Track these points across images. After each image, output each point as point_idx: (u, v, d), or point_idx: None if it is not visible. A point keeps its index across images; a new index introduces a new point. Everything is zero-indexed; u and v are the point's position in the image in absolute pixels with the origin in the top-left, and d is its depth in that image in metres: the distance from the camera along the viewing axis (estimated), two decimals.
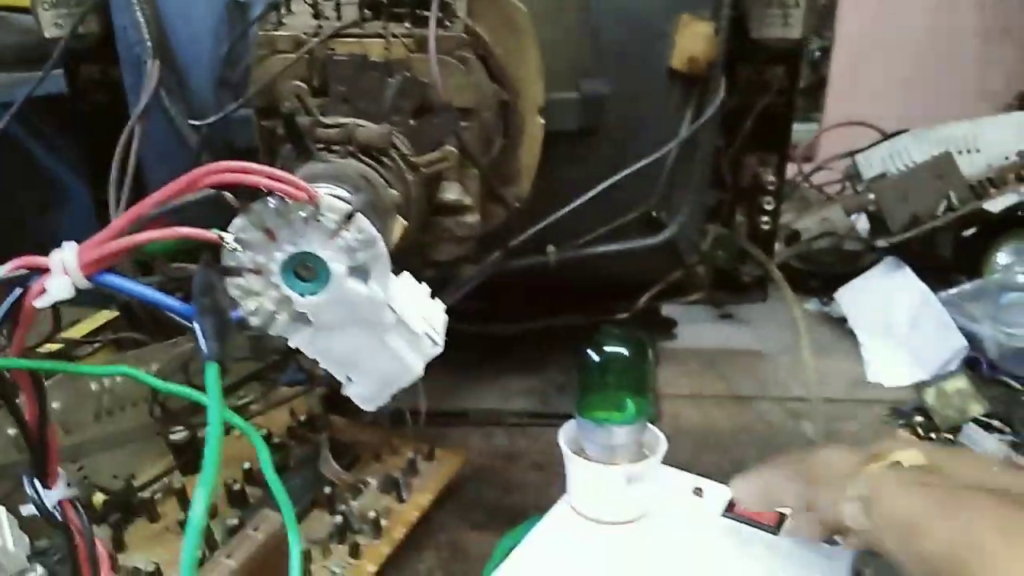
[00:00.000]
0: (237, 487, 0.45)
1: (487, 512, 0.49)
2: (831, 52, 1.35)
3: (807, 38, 0.57)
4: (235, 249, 0.25)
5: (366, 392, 0.26)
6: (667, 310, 0.74)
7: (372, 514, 0.44)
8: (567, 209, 0.53)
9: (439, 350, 0.27)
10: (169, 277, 0.57)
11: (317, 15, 0.43)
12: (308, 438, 0.51)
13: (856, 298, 0.71)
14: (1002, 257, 0.72)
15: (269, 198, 0.25)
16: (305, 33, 0.38)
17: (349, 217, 0.25)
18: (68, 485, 0.28)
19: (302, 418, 0.53)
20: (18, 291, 0.24)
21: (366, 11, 0.42)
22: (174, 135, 0.51)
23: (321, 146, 0.32)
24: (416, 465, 0.49)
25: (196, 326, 0.23)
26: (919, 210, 0.69)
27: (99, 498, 0.44)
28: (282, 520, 0.22)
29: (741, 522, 0.37)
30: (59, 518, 0.27)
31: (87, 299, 0.60)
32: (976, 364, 0.62)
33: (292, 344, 0.26)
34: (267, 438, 0.51)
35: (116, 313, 0.58)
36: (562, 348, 0.64)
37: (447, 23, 0.42)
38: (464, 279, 0.46)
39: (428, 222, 0.38)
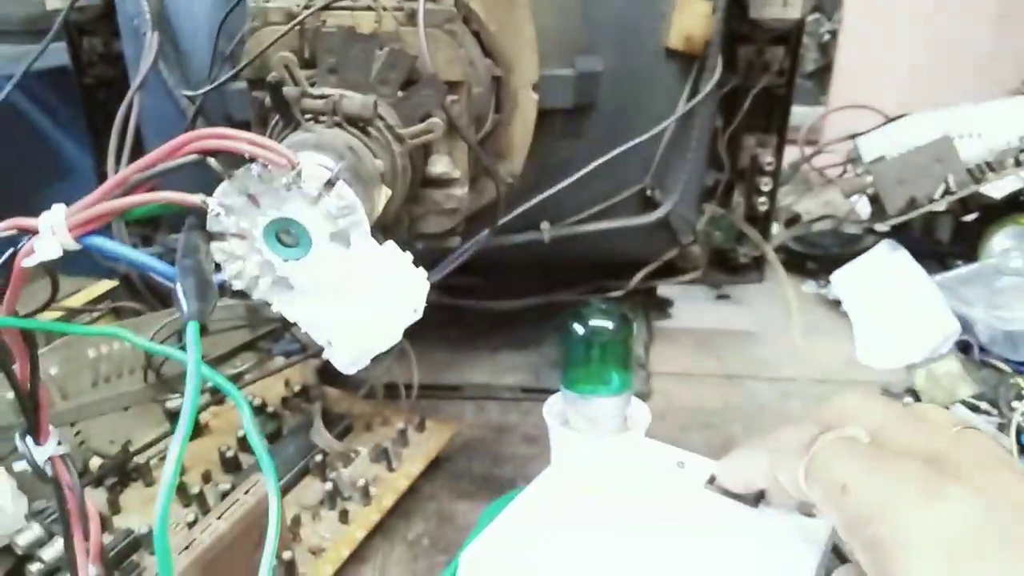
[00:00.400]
0: (231, 454, 0.46)
1: (476, 483, 0.50)
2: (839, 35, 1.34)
3: (811, 19, 0.57)
4: (219, 214, 0.25)
5: (346, 357, 0.27)
6: (664, 290, 0.74)
7: (362, 482, 0.45)
8: (561, 186, 0.53)
9: (418, 317, 0.28)
10: (167, 248, 0.58)
11: None
12: (302, 408, 0.52)
13: (851, 280, 0.71)
14: (998, 242, 0.72)
15: (252, 165, 0.25)
16: (297, 5, 0.38)
17: (330, 184, 0.25)
18: (59, 443, 0.29)
19: (296, 388, 0.54)
20: (9, 252, 0.25)
21: None
22: (173, 106, 0.51)
23: (308, 116, 0.33)
24: (407, 436, 0.50)
25: (177, 286, 0.23)
26: (916, 193, 0.69)
27: (96, 462, 0.45)
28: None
29: (723, 494, 0.38)
30: (49, 474, 0.28)
31: (88, 269, 0.61)
32: (968, 347, 0.62)
33: (274, 308, 0.27)
34: (262, 407, 0.52)
35: (116, 283, 0.59)
36: (556, 325, 0.65)
37: None
38: (453, 254, 0.47)
39: (417, 194, 0.39)
